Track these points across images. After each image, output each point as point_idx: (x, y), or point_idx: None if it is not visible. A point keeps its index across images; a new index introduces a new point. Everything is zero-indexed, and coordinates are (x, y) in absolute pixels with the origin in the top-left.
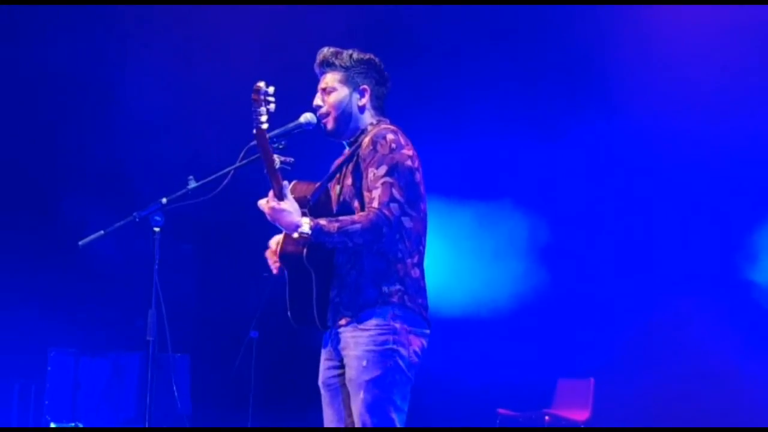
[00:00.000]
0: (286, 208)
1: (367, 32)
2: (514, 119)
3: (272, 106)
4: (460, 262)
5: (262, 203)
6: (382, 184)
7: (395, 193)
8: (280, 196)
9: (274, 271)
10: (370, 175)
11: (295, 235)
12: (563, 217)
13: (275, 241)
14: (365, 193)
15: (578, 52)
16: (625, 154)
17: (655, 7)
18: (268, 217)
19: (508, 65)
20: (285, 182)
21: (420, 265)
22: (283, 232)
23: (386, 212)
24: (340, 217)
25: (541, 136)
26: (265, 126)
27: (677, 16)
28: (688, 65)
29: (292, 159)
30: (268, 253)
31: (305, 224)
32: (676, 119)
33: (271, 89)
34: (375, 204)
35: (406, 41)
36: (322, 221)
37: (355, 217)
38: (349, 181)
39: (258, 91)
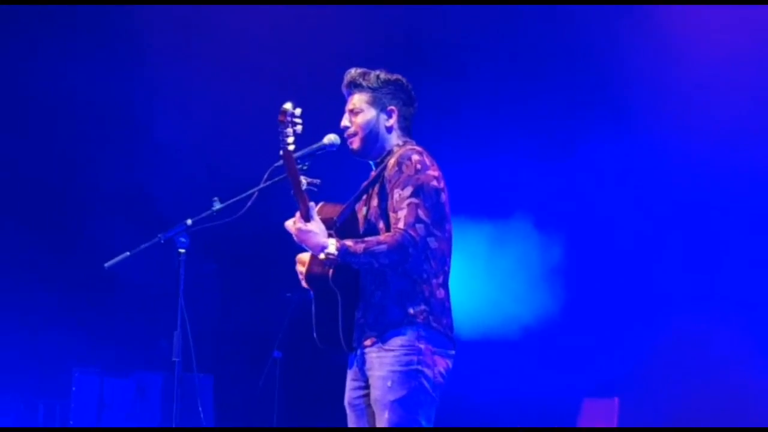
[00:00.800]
0: (313, 230)
1: (380, 50)
2: (526, 137)
3: (299, 128)
4: (479, 281)
5: (289, 224)
6: (408, 204)
7: (421, 213)
8: (307, 218)
9: (304, 285)
10: (396, 196)
11: (321, 255)
12: (581, 235)
13: (303, 256)
14: (391, 214)
15: (592, 69)
16: (642, 170)
17: (674, 20)
18: (295, 239)
19: (520, 83)
20: (311, 204)
21: (445, 285)
22: (310, 254)
23: (412, 233)
24: (366, 238)
25: (556, 154)
26: (291, 147)
27: (697, 30)
28: (708, 81)
29: (319, 180)
30: (298, 268)
31: (331, 245)
32: (694, 136)
33: (297, 111)
34: (401, 225)
35: (416, 59)
36: (348, 242)
37: (381, 237)
38: (375, 202)
39: (285, 112)
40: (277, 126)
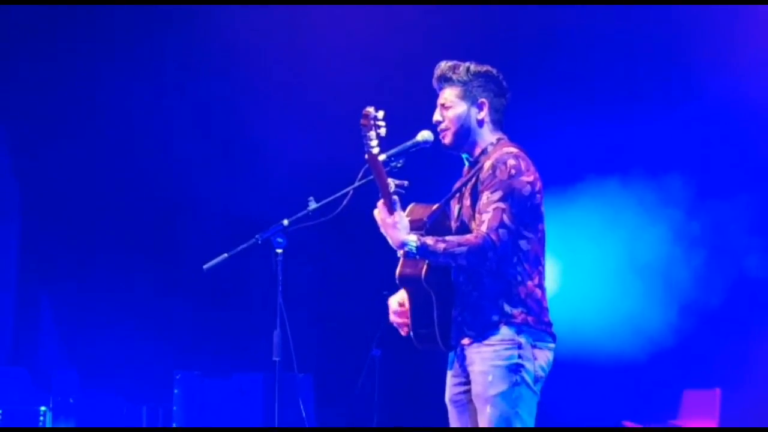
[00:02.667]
0: (394, 222)
1: (471, 31)
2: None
3: (383, 131)
4: (575, 271)
5: (376, 212)
6: (494, 209)
7: (505, 218)
8: (390, 210)
9: (403, 334)
10: (484, 198)
11: (400, 252)
12: (667, 218)
13: (395, 300)
14: (476, 216)
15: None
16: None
17: None
18: (380, 229)
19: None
20: (395, 198)
21: (541, 285)
22: (401, 259)
23: (493, 237)
24: (447, 237)
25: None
26: (375, 151)
27: None
28: None
29: (407, 182)
30: (393, 318)
31: (411, 242)
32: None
33: (380, 114)
34: (483, 228)
35: (499, 33)
36: (429, 240)
37: (462, 239)
38: (467, 202)
39: (367, 116)
40: (359, 130)
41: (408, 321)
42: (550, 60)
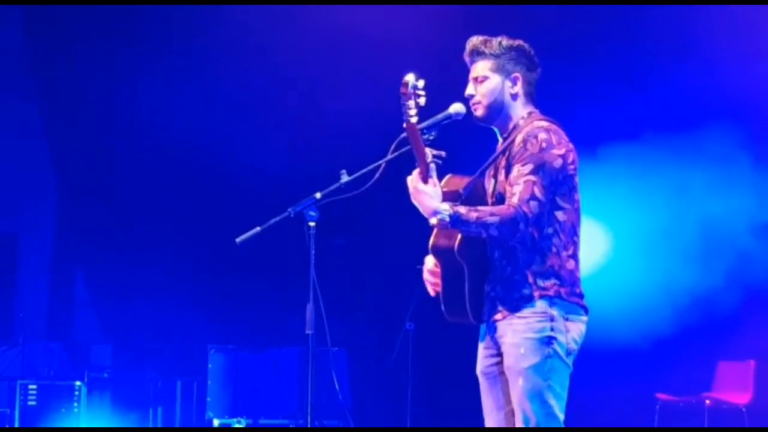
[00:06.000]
0: (428, 192)
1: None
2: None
3: (422, 100)
4: (607, 243)
5: (409, 179)
6: (525, 181)
7: (536, 191)
8: (425, 179)
9: (432, 294)
10: (515, 172)
11: (433, 220)
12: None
13: (431, 260)
14: (507, 188)
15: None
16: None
17: None
18: (412, 199)
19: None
20: (431, 166)
21: (575, 255)
22: (435, 230)
23: (525, 209)
24: (479, 207)
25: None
26: (414, 120)
27: None
28: None
29: (444, 153)
30: (425, 275)
31: (444, 211)
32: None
33: (420, 83)
34: (515, 200)
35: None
36: (462, 209)
37: (495, 209)
38: (501, 177)
39: (406, 84)
40: (399, 99)
41: (439, 281)
42: (581, 18)
